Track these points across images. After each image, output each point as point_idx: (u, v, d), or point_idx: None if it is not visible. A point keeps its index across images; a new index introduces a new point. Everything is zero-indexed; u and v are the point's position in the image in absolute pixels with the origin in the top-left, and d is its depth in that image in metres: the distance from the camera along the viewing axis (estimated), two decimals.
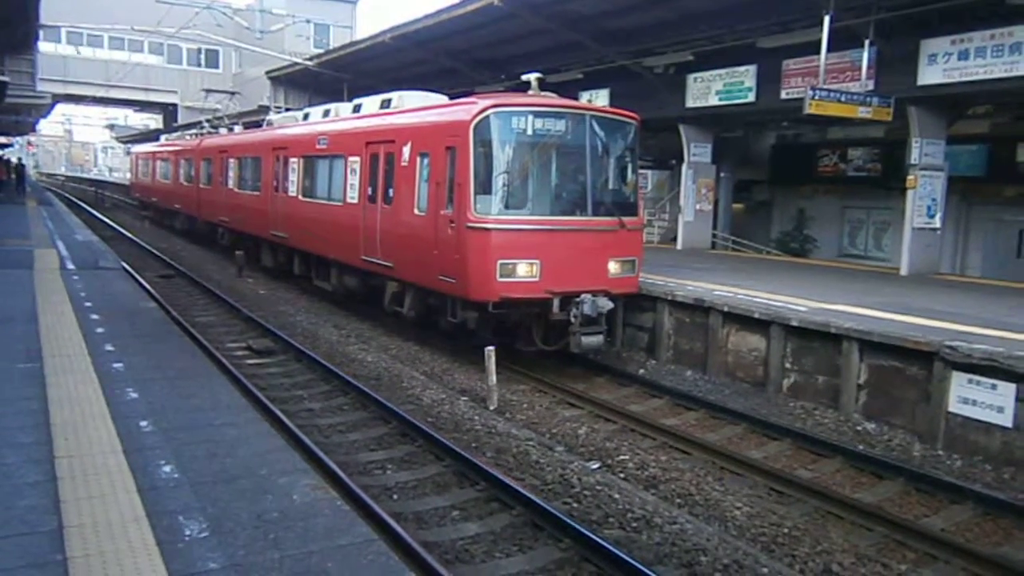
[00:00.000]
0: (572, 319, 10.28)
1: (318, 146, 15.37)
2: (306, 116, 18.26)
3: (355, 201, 13.47)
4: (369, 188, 13.02)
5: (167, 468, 4.89)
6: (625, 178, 11.40)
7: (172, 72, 47.84)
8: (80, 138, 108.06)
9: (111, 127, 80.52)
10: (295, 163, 16.60)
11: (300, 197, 16.29)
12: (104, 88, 43.65)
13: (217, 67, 48.22)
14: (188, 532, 4.06)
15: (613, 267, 10.85)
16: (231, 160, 21.61)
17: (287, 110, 28.01)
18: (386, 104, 14.04)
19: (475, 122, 10.18)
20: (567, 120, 10.61)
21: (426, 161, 11.28)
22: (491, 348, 9.64)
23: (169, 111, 50.47)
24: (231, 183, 21.50)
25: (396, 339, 13.02)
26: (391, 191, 12.26)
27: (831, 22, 13.28)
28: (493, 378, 9.53)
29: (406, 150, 11.78)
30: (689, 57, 17.38)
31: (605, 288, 10.62)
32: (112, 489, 4.52)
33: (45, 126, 71.08)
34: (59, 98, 41.14)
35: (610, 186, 11.22)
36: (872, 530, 6.65)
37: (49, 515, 4.18)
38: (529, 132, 10.35)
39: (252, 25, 31.52)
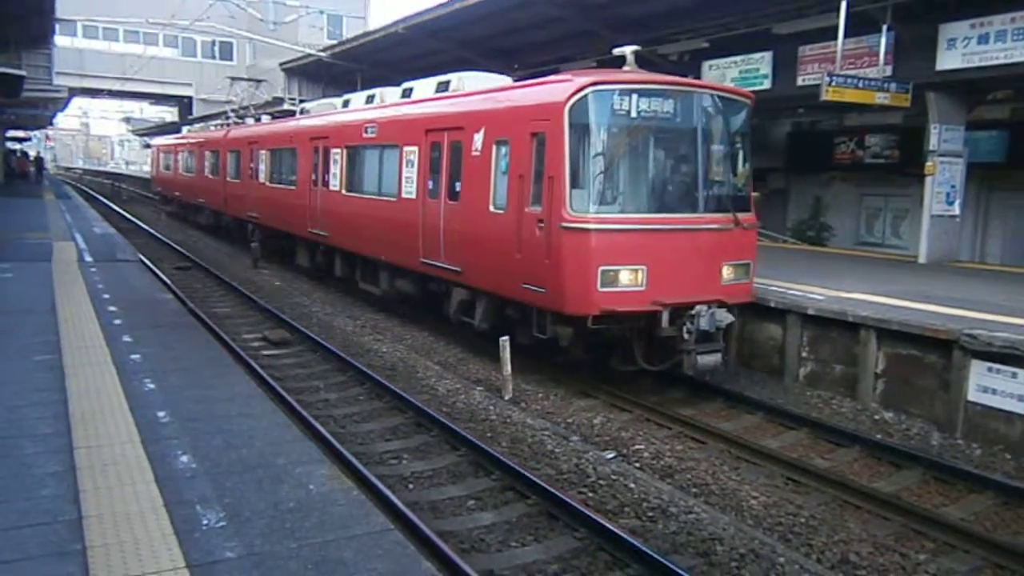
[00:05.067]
0: (685, 335, 8.90)
1: (365, 135, 13.96)
2: (346, 103, 16.74)
3: (412, 196, 12.02)
4: (429, 182, 11.61)
5: (184, 458, 4.93)
6: (737, 168, 9.97)
7: (187, 65, 48.03)
8: (97, 131, 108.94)
9: (127, 120, 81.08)
10: (337, 154, 15.14)
11: (344, 192, 14.84)
12: (120, 81, 43.85)
13: (231, 59, 48.37)
14: (205, 521, 4.10)
15: (727, 272, 9.48)
16: (262, 152, 20.24)
17: (301, 101, 27.98)
18: (443, 87, 12.55)
19: (570, 103, 8.74)
20: (676, 100, 9.17)
21: (504, 150, 9.87)
22: (505, 338, 9.60)
23: (184, 104, 50.73)
24: (262, 176, 20.13)
25: (411, 329, 13.04)
26: (458, 185, 10.83)
27: (848, 7, 13.13)
28: (508, 368, 9.51)
29: (478, 138, 10.35)
30: (704, 44, 17.23)
31: (718, 297, 9.19)
32: (130, 479, 4.57)
33: (62, 120, 71.47)
34: (75, 91, 41.43)
35: (723, 178, 9.79)
36: (890, 519, 6.61)
37: (69, 505, 4.22)
38: (633, 114, 8.90)
39: (266, 17, 31.66)
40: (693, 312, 8.82)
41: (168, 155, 34.32)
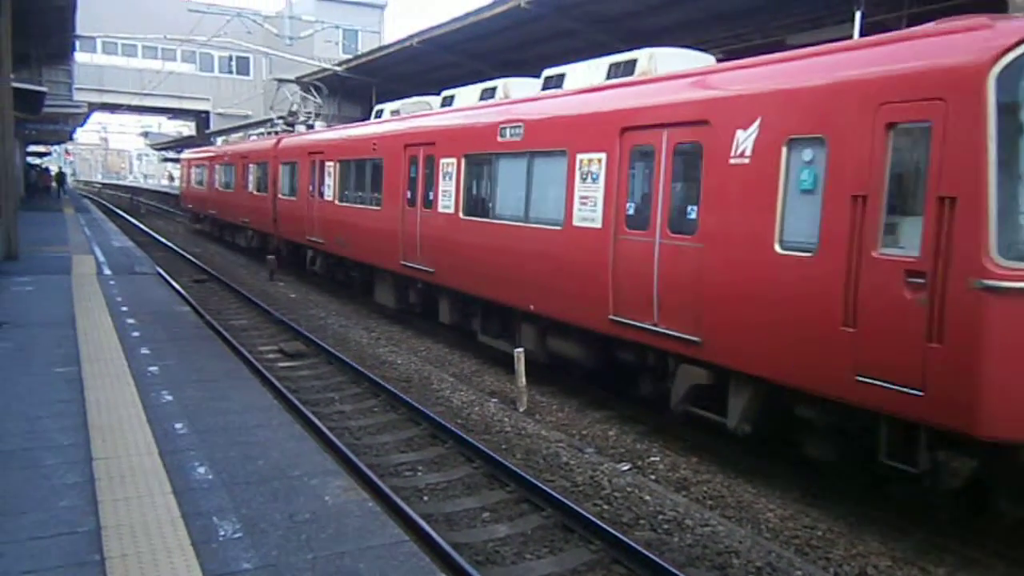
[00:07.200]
0: None
1: (501, 139, 10.59)
2: (448, 100, 13.63)
3: (594, 224, 8.67)
4: (628, 205, 8.32)
5: (201, 470, 4.97)
6: None
7: (204, 80, 48.72)
8: (115, 146, 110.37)
9: (145, 134, 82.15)
10: (450, 165, 11.81)
11: (461, 216, 11.47)
12: (138, 96, 44.55)
13: (248, 74, 49.00)
14: (222, 533, 4.12)
15: None
16: (329, 164, 17.10)
17: (317, 116, 28.14)
18: (625, 68, 9.45)
19: (1000, 67, 5.29)
20: None
21: (810, 155, 6.45)
22: (520, 350, 9.59)
23: (202, 118, 51.38)
24: (329, 194, 16.99)
25: (426, 341, 13.06)
26: (693, 211, 7.48)
27: (863, 17, 13.10)
28: (523, 380, 9.50)
29: (743, 137, 6.95)
30: (718, 56, 17.25)
31: None
32: (148, 490, 4.60)
33: (82, 134, 72.65)
34: (95, 107, 42.14)
35: None
36: (909, 533, 6.53)
37: (87, 516, 4.26)
38: None
39: (282, 32, 32.05)
40: None
41: (201, 169, 31.25)
